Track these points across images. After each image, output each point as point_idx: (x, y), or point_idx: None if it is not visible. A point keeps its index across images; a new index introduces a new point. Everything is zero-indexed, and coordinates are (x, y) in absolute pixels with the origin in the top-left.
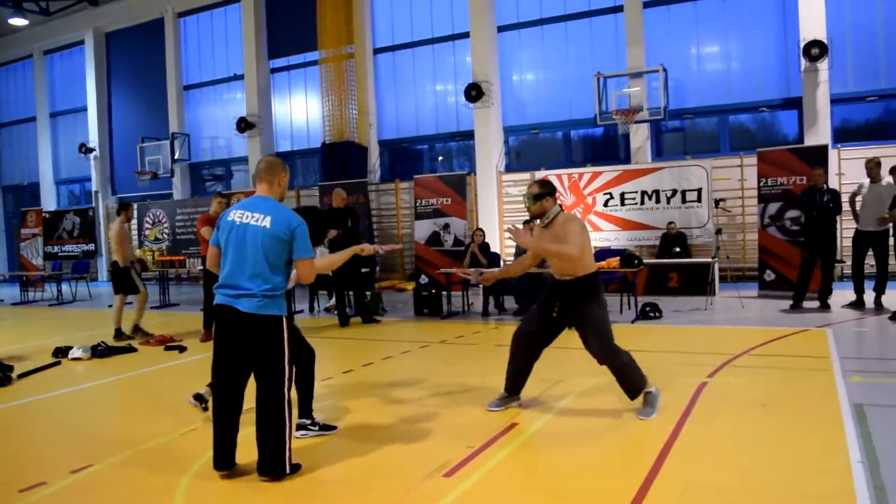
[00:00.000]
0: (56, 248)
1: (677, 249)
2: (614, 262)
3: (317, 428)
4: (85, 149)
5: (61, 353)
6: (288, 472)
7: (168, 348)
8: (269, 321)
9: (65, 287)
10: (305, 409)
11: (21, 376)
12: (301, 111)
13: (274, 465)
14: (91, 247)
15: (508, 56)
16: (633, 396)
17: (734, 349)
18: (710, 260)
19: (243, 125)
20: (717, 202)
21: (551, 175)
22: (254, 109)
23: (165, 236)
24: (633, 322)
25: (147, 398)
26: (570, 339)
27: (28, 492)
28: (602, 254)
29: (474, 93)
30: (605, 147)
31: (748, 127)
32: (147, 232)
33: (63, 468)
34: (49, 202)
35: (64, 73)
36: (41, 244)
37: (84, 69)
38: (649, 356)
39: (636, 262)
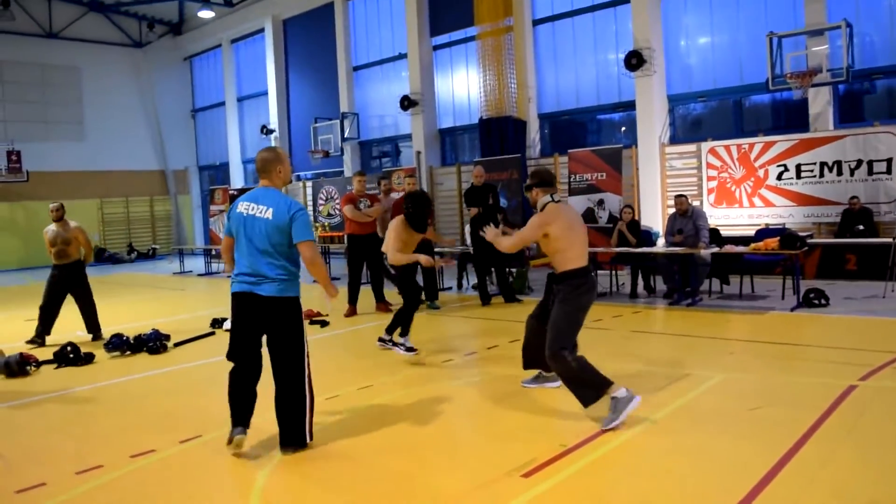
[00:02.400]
0: None
1: (861, 227)
2: (773, 242)
3: (391, 344)
4: (266, 130)
5: (217, 324)
6: (309, 440)
7: (312, 322)
8: (288, 303)
9: None
10: (390, 330)
11: (177, 345)
12: (462, 87)
13: (295, 437)
14: None
15: (673, 20)
16: (584, 405)
17: None
18: (891, 240)
19: (406, 103)
20: None
21: (718, 146)
22: (417, 87)
23: (337, 212)
24: (792, 310)
25: None
26: (700, 328)
27: (138, 458)
28: (764, 233)
29: (635, 61)
30: (782, 114)
31: None
32: (321, 208)
33: (173, 437)
34: (237, 180)
35: (248, 59)
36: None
37: (264, 55)
38: (800, 350)
39: (798, 243)
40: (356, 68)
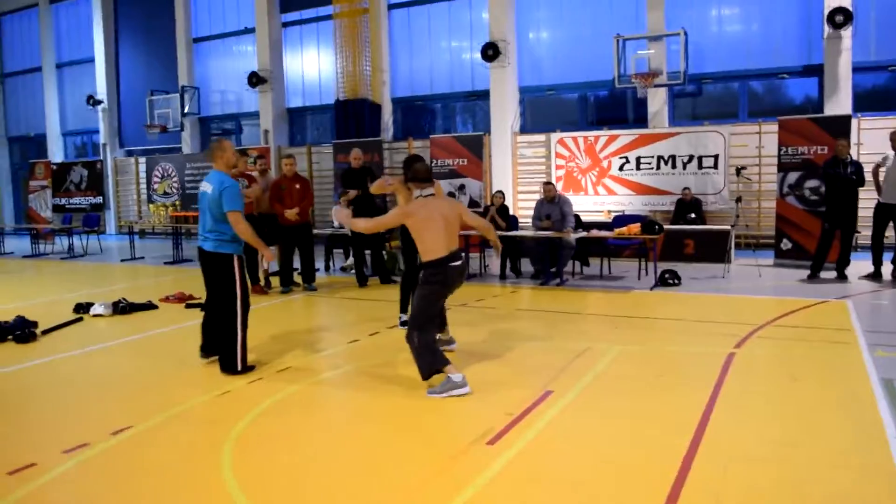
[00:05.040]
0: (64, 201)
1: (692, 216)
2: (635, 227)
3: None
4: (93, 101)
5: (82, 309)
6: (240, 369)
7: (189, 306)
8: (222, 258)
9: (75, 240)
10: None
11: (45, 332)
12: (313, 67)
13: (228, 364)
14: (99, 199)
15: (525, 14)
16: (422, 377)
17: (757, 319)
18: (728, 227)
19: (255, 80)
20: (738, 170)
21: (567, 137)
22: (265, 64)
23: (175, 191)
24: (651, 289)
25: (176, 358)
26: (578, 306)
27: (74, 452)
28: (622, 219)
29: (491, 52)
30: (622, 110)
31: (767, 93)
32: (156, 186)
33: (104, 429)
34: (56, 154)
35: (70, 23)
36: (49, 196)
37: (91, 19)
38: (675, 324)
39: (657, 227)
40: (197, 40)
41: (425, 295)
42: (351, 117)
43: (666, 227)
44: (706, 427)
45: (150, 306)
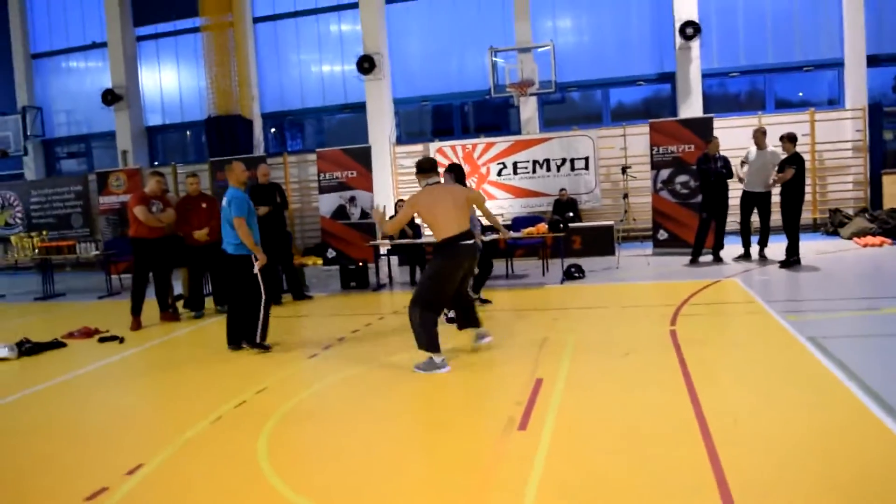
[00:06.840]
0: None
1: (570, 214)
2: (542, 227)
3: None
4: None
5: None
6: (258, 341)
7: (103, 340)
8: (243, 258)
9: None
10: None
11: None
12: (173, 83)
13: (250, 336)
14: None
15: (397, 28)
16: (418, 346)
17: (671, 301)
18: (611, 223)
19: (109, 97)
20: (624, 169)
21: (446, 146)
22: (120, 80)
23: (18, 221)
24: (561, 282)
25: (138, 389)
26: (502, 302)
27: (95, 498)
28: (521, 221)
29: (367, 65)
30: (496, 118)
31: (627, 99)
32: None
33: (117, 470)
34: None
35: None
36: None
37: None
38: (603, 311)
39: (562, 226)
40: (37, 56)
41: (432, 274)
42: (225, 134)
43: (582, 224)
44: (694, 389)
45: (57, 344)
